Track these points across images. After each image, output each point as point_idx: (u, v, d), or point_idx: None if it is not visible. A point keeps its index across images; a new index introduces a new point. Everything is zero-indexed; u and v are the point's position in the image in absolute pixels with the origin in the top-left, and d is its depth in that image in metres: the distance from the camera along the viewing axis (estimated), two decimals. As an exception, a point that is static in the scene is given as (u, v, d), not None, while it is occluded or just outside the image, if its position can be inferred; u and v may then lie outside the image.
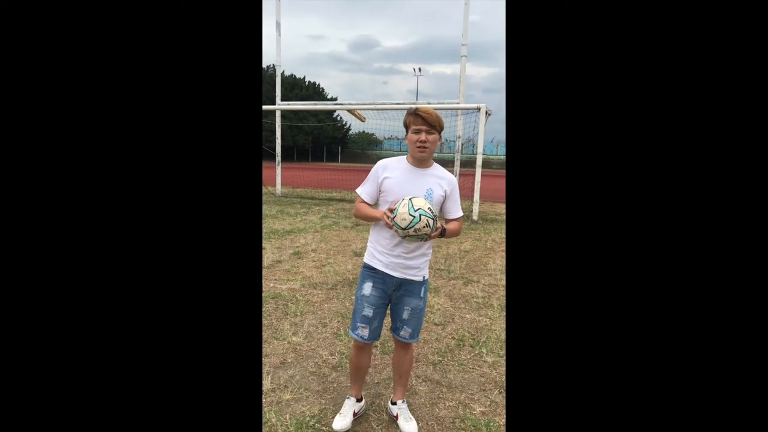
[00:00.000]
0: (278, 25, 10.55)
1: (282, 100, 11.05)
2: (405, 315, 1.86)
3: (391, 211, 1.66)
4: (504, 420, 2.02)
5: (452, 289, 3.97)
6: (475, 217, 8.06)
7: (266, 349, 2.68)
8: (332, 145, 39.18)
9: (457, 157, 9.25)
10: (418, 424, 1.96)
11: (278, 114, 11.22)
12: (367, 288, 1.84)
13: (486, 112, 8.30)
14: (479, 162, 8.15)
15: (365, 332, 1.85)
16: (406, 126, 1.77)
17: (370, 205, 1.82)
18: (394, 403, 2.03)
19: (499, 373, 2.47)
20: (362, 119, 11.33)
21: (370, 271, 1.84)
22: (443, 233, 1.73)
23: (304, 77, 39.48)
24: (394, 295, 1.86)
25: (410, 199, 1.65)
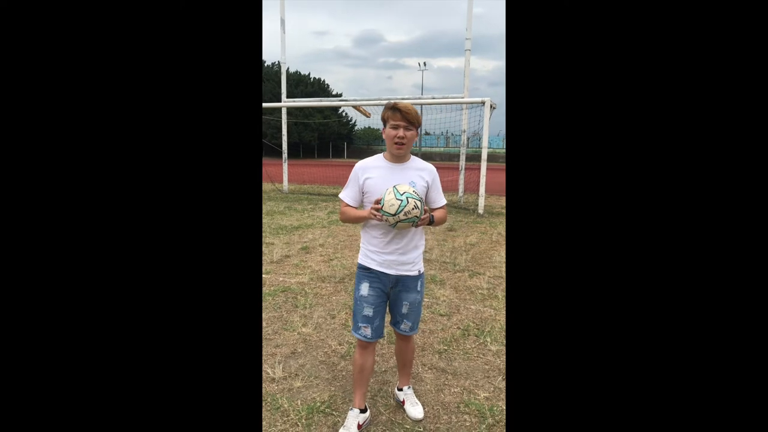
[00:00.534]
0: (283, 22, 10.62)
1: (287, 97, 11.14)
2: (404, 309, 1.89)
3: (378, 202, 1.68)
4: (507, 405, 2.09)
5: (458, 281, 4.04)
6: (480, 211, 8.10)
7: (277, 339, 2.77)
8: (338, 141, 39.25)
9: (463, 151, 9.28)
10: (424, 408, 2.04)
11: (284, 111, 11.32)
12: (365, 288, 1.85)
13: (491, 106, 8.31)
14: (484, 156, 8.18)
15: (368, 331, 1.86)
16: (384, 120, 1.76)
17: (355, 208, 1.84)
18: (400, 389, 2.10)
19: (503, 361, 2.54)
20: (368, 115, 11.39)
21: (366, 272, 1.85)
22: (432, 221, 1.76)
23: (309, 73, 39.62)
24: (392, 292, 1.88)
25: (394, 186, 1.67)
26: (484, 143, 8.27)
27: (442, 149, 36.58)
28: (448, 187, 11.84)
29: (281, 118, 11.41)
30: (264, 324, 3.01)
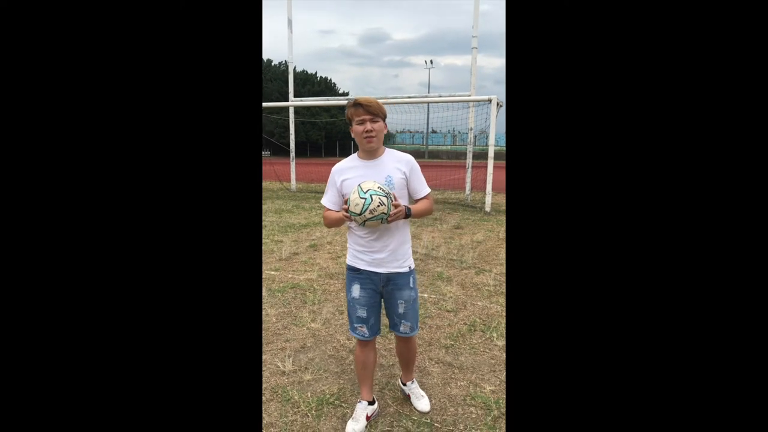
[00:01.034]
0: (290, 22, 10.69)
1: (294, 96, 11.21)
2: (401, 309, 1.85)
3: (346, 203, 1.67)
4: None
5: (464, 278, 4.07)
6: (487, 209, 8.12)
7: (287, 334, 2.84)
8: (345, 139, 39.29)
9: (470, 149, 9.29)
10: (430, 401, 2.09)
11: (291, 110, 11.40)
12: (356, 290, 1.84)
13: (498, 104, 8.31)
14: (491, 154, 8.19)
15: (364, 330, 1.87)
16: (349, 119, 1.75)
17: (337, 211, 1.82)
18: (404, 384, 2.13)
19: (509, 356, 2.57)
20: (374, 113, 11.39)
21: (355, 273, 1.84)
22: (408, 214, 1.72)
23: (316, 72, 39.74)
24: (385, 291, 1.85)
25: (359, 185, 1.65)
26: (491, 141, 8.27)
27: (449, 147, 36.48)
28: (455, 185, 11.85)
29: (289, 117, 11.49)
30: (274, 319, 3.07)
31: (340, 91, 38.55)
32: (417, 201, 1.82)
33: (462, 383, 2.28)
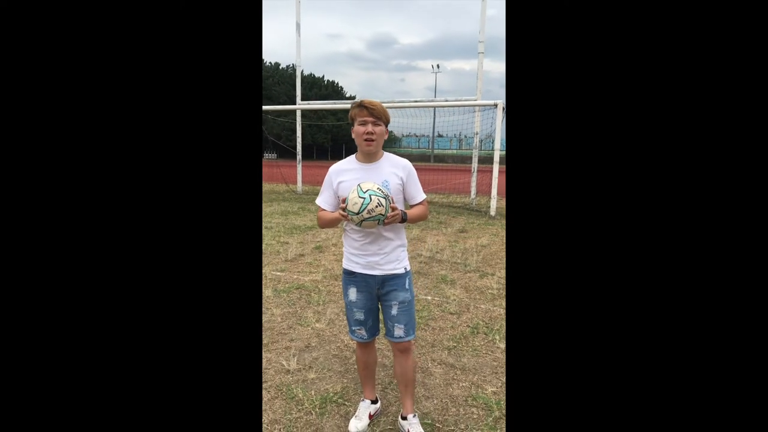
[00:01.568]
0: (298, 26, 10.80)
1: (302, 99, 11.30)
2: (394, 311, 1.79)
3: (344, 201, 1.65)
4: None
5: (468, 281, 4.09)
6: (492, 213, 8.13)
7: (292, 334, 2.88)
8: (351, 143, 39.14)
9: (475, 153, 9.31)
10: (433, 401, 2.11)
11: (299, 113, 11.49)
12: (352, 294, 1.83)
13: (503, 109, 8.34)
14: (497, 158, 8.21)
15: (362, 332, 1.87)
16: (352, 119, 1.73)
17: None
18: (404, 418, 1.91)
19: (511, 358, 2.59)
20: (381, 117, 11.44)
21: (351, 276, 1.83)
22: (405, 218, 1.70)
23: (323, 76, 39.97)
24: (380, 293, 1.82)
25: (358, 184, 1.64)
26: (497, 145, 8.29)
27: (455, 151, 36.50)
28: (461, 189, 11.86)
29: (296, 120, 11.58)
30: (279, 319, 3.11)
31: (347, 95, 38.72)
32: (412, 206, 1.81)
33: (464, 384, 2.31)
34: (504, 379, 2.35)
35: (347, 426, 1.92)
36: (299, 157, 11.66)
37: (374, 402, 2.02)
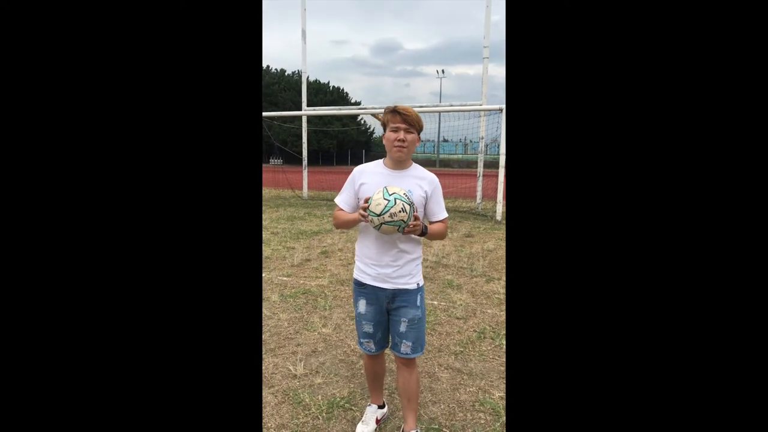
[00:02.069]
0: (304, 33, 10.89)
1: (307, 105, 11.38)
2: (402, 328, 1.73)
3: (366, 201, 1.60)
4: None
5: (474, 286, 4.08)
6: (498, 217, 8.11)
7: (298, 339, 2.88)
8: (356, 148, 39.59)
9: (481, 157, 9.32)
10: (440, 406, 2.11)
11: (304, 119, 11.57)
12: (362, 306, 1.80)
13: (509, 113, 8.33)
14: (502, 162, 8.20)
15: (371, 345, 1.84)
16: (384, 124, 1.69)
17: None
18: None
19: (519, 363, 2.58)
20: (386, 122, 11.49)
21: (361, 288, 1.79)
22: (425, 232, 1.66)
23: (329, 82, 40.33)
24: (390, 307, 1.76)
25: (384, 186, 1.59)
26: (502, 150, 8.29)
27: (460, 156, 36.47)
28: (466, 194, 11.85)
29: (301, 126, 11.65)
30: (286, 324, 3.12)
31: (353, 101, 38.92)
32: (432, 223, 1.76)
33: (471, 389, 2.30)
34: (511, 384, 2.34)
35: (354, 431, 1.92)
36: (305, 162, 11.72)
37: (381, 407, 2.01)
